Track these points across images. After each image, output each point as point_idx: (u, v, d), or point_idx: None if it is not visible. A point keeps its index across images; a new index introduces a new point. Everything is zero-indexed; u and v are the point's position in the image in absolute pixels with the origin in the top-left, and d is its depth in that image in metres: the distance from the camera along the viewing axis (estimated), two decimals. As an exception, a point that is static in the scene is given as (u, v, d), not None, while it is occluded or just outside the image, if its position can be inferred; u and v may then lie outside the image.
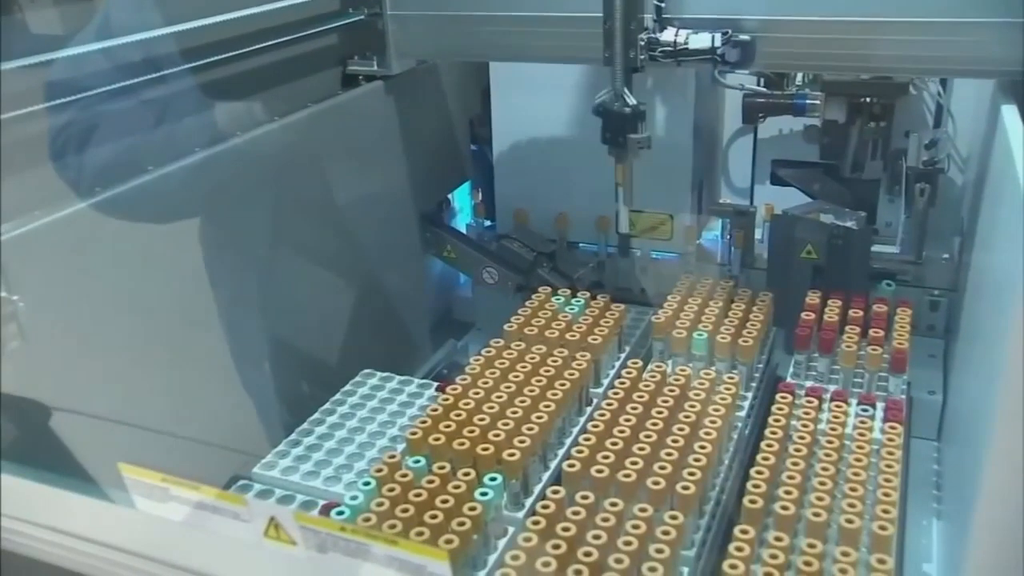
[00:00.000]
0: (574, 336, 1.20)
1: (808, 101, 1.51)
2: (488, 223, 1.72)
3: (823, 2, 1.18)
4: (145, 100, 1.08)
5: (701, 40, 1.22)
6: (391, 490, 0.94)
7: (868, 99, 1.47)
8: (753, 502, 0.90)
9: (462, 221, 1.78)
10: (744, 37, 1.21)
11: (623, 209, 1.38)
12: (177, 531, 0.58)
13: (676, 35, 1.23)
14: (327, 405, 1.22)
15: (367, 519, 0.90)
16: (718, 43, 1.21)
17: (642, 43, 1.24)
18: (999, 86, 1.19)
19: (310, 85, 1.36)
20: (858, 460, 0.98)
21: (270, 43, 1.25)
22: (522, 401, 1.07)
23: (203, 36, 1.14)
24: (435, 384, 1.26)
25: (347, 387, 1.26)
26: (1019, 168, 0.85)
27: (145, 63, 1.07)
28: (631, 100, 1.28)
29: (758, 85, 1.59)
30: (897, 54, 1.18)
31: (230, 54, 1.19)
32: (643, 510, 0.89)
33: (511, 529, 0.96)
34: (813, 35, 1.20)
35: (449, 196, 1.74)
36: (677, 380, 1.11)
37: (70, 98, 0.99)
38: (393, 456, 1.00)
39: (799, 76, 1.57)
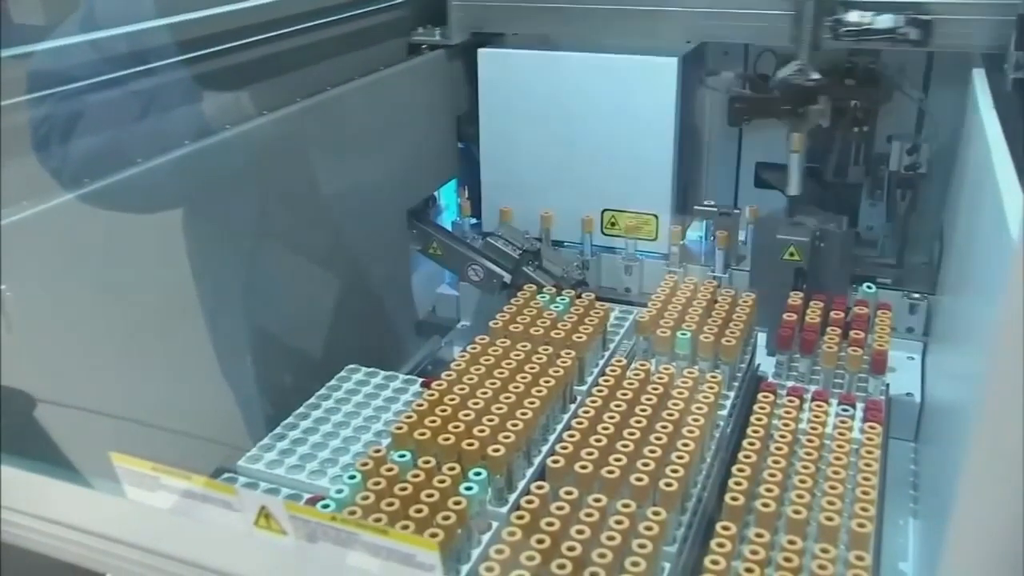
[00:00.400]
0: (559, 334, 1.21)
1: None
2: (474, 221, 1.73)
3: None
4: (133, 91, 1.08)
5: (885, 20, 1.32)
6: (376, 484, 0.94)
7: (852, 103, 1.48)
8: (735, 499, 0.92)
9: (448, 218, 1.79)
10: (925, 17, 1.30)
11: (796, 172, 1.50)
12: (168, 520, 0.59)
13: (861, 16, 1.33)
14: (312, 399, 1.22)
15: (352, 512, 0.90)
16: (901, 23, 1.30)
17: (828, 24, 1.35)
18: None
19: (303, 79, 1.36)
20: (838, 459, 0.99)
21: (260, 37, 1.26)
22: (507, 397, 1.07)
23: (194, 30, 1.14)
24: (420, 380, 1.27)
25: (332, 382, 1.26)
26: (987, 123, 0.87)
27: (134, 56, 1.07)
28: (815, 75, 1.38)
29: (743, 88, 1.61)
30: None
31: (221, 47, 1.19)
32: (626, 506, 0.90)
33: (495, 524, 0.97)
34: (991, 17, 1.27)
35: (436, 193, 1.75)
36: (660, 379, 1.12)
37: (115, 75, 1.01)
38: (378, 450, 1.00)
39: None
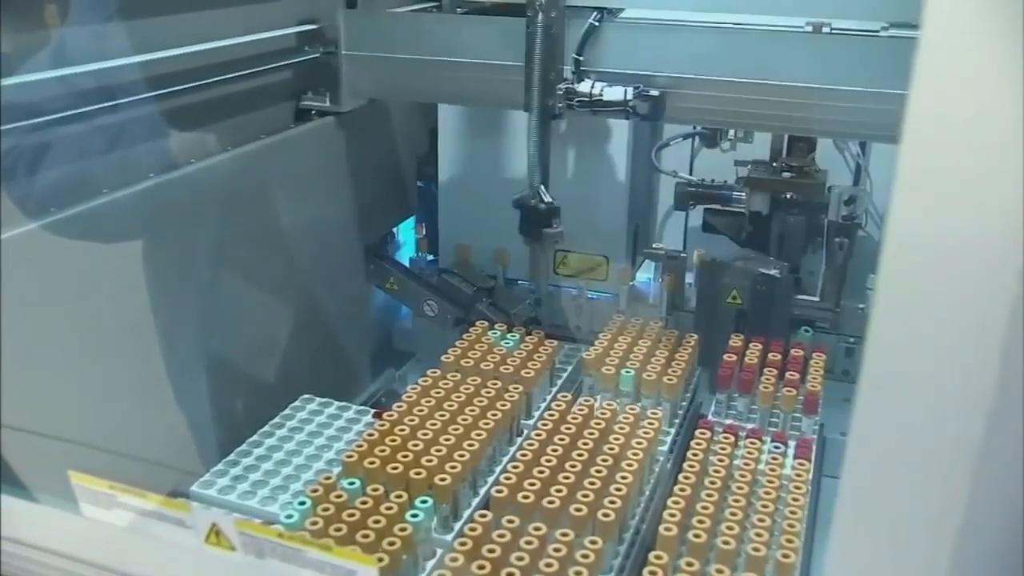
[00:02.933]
0: (508, 369, 1.26)
1: (734, 194, 1.59)
2: (431, 257, 1.77)
3: (730, 63, 1.27)
4: (101, 126, 1.11)
5: (615, 93, 1.30)
6: (325, 510, 0.97)
7: (788, 195, 1.55)
8: (668, 530, 0.96)
9: (406, 254, 1.83)
10: (654, 92, 1.29)
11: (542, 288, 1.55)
12: (121, 537, 0.62)
13: (592, 87, 1.31)
14: (266, 427, 1.25)
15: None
16: (630, 96, 1.28)
17: (560, 92, 1.32)
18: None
19: (263, 118, 1.40)
20: (767, 494, 1.04)
21: (228, 76, 1.30)
22: (455, 429, 1.11)
23: (162, 67, 1.18)
24: (372, 411, 1.30)
25: (286, 411, 1.29)
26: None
27: (102, 91, 1.10)
28: (547, 197, 1.38)
29: (689, 175, 1.66)
30: (799, 115, 1.27)
31: (188, 85, 1.23)
32: (565, 535, 0.94)
33: (440, 550, 1.00)
34: (719, 93, 1.28)
35: (394, 230, 1.79)
36: (603, 414, 1.17)
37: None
38: (329, 478, 1.04)
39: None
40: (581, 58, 1.32)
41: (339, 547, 0.57)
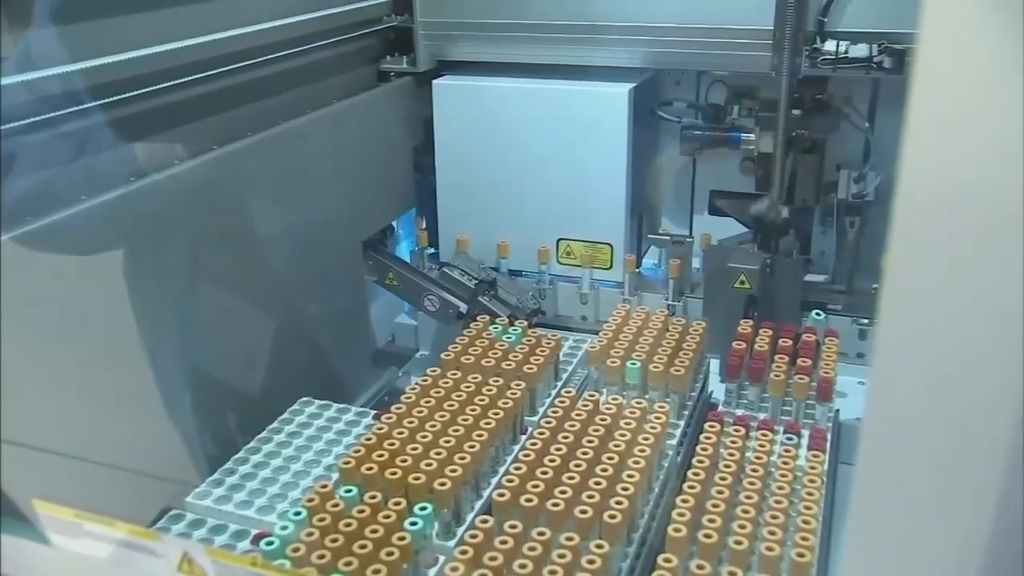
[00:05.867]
0: (510, 365, 1.22)
1: (743, 134, 1.55)
2: (432, 250, 1.74)
3: None
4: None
5: (859, 50, 1.37)
6: (321, 520, 0.94)
7: (800, 132, 1.51)
8: (677, 531, 0.92)
9: (407, 248, 1.79)
10: (898, 47, 1.35)
11: None
12: (91, 568, 0.59)
13: (837, 45, 1.38)
14: (264, 433, 1.22)
15: (296, 549, 0.90)
16: (875, 52, 1.35)
17: (806, 52, 1.40)
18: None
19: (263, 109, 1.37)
20: (780, 489, 1.00)
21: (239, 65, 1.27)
22: (455, 430, 1.08)
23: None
24: (372, 412, 1.27)
25: (284, 415, 1.26)
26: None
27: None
28: (784, 213, 1.48)
29: (696, 118, 1.63)
30: None
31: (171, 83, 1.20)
32: (569, 539, 0.90)
33: (442, 558, 0.97)
34: None
35: (394, 223, 1.75)
36: (608, 409, 1.13)
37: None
38: (325, 486, 1.00)
39: (735, 109, 1.61)
40: (825, 19, 1.40)
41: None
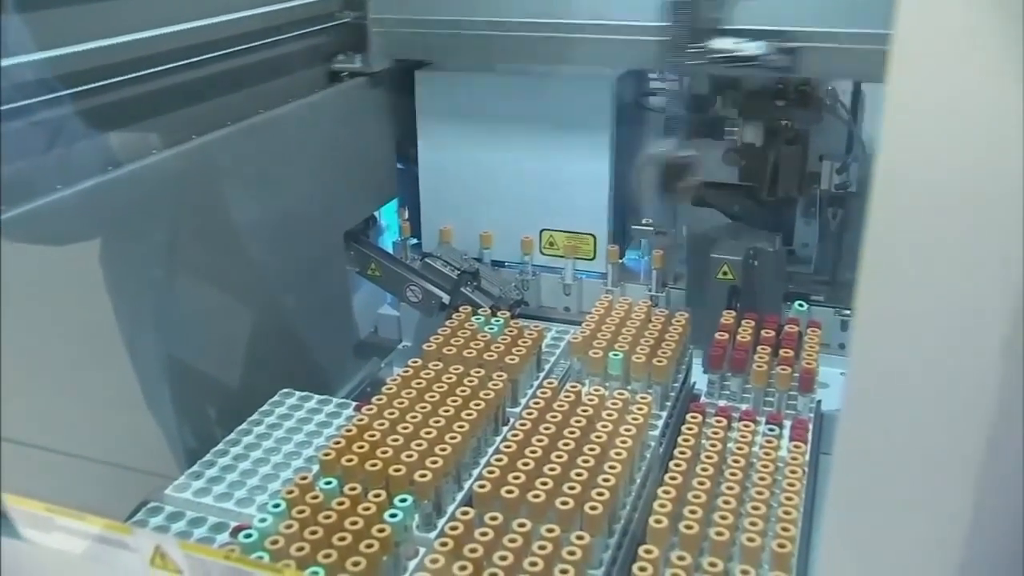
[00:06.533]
0: (492, 356, 1.21)
1: (727, 125, 1.54)
2: (414, 241, 1.73)
3: (865, 15, 1.26)
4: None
5: (752, 48, 1.32)
6: (301, 512, 0.93)
7: (784, 123, 1.51)
8: (658, 521, 0.92)
9: (390, 238, 1.78)
10: (791, 45, 1.31)
11: None
12: (62, 562, 0.58)
13: (731, 43, 1.33)
14: (243, 425, 1.21)
15: (275, 542, 0.89)
16: (765, 50, 1.31)
17: (697, 50, 1.36)
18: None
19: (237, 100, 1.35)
20: (762, 479, 1.00)
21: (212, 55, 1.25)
22: (436, 421, 1.07)
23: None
24: (353, 404, 1.26)
25: (264, 407, 1.25)
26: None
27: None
28: (688, 152, 1.47)
29: (680, 108, 1.63)
30: None
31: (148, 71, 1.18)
32: (550, 531, 0.90)
33: (423, 550, 0.96)
34: (855, 46, 1.28)
35: (376, 214, 1.74)
36: (591, 400, 1.13)
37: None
38: (305, 478, 0.99)
39: (719, 100, 1.60)
40: (718, 16, 1.34)
41: (290, 569, 0.53)
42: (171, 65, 1.21)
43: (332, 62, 1.56)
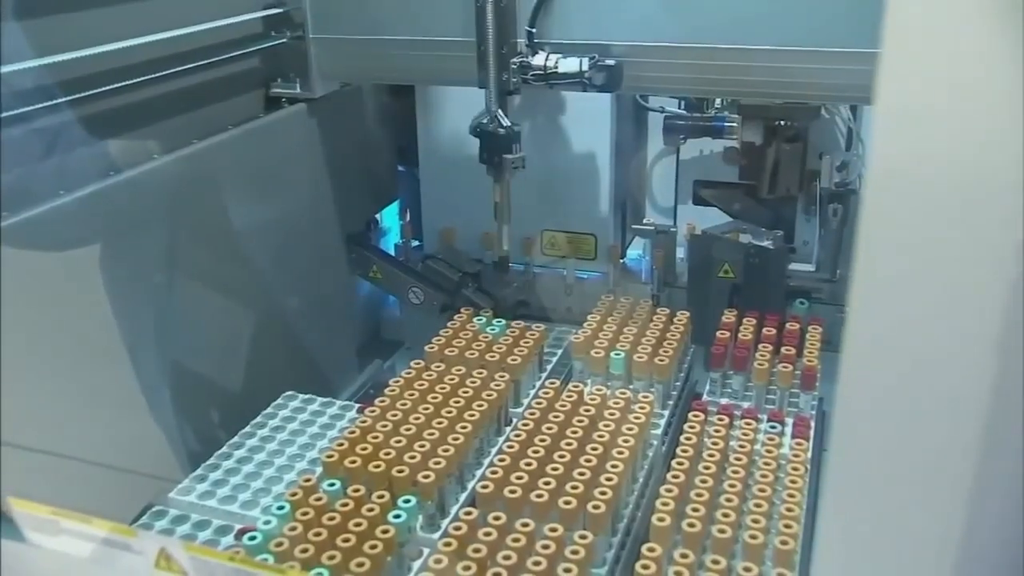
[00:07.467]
0: (494, 357, 1.22)
1: (726, 124, 1.55)
2: (416, 243, 1.73)
3: (686, 30, 1.21)
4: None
5: (570, 64, 1.24)
6: (305, 514, 0.94)
7: (783, 122, 1.51)
8: (661, 520, 0.92)
9: (391, 241, 1.78)
10: (610, 62, 1.24)
11: (504, 228, 1.43)
12: (67, 565, 0.58)
13: (547, 59, 1.26)
14: (247, 428, 1.22)
15: (279, 544, 0.90)
16: (585, 67, 1.23)
17: (515, 66, 1.28)
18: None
19: (231, 108, 1.35)
20: (764, 477, 1.00)
21: (190, 65, 1.24)
22: (439, 423, 1.08)
23: (120, 59, 1.13)
24: (356, 406, 1.26)
25: (268, 410, 1.26)
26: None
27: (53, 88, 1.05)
28: (505, 121, 1.32)
29: (679, 108, 1.63)
30: (760, 79, 1.21)
31: (150, 76, 1.18)
32: (553, 530, 0.90)
33: (427, 550, 0.97)
34: (675, 60, 1.22)
35: (377, 216, 1.74)
36: (593, 400, 1.13)
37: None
38: (308, 479, 1.00)
39: (718, 100, 1.61)
40: (534, 30, 1.27)
41: (293, 570, 0.53)
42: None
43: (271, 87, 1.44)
